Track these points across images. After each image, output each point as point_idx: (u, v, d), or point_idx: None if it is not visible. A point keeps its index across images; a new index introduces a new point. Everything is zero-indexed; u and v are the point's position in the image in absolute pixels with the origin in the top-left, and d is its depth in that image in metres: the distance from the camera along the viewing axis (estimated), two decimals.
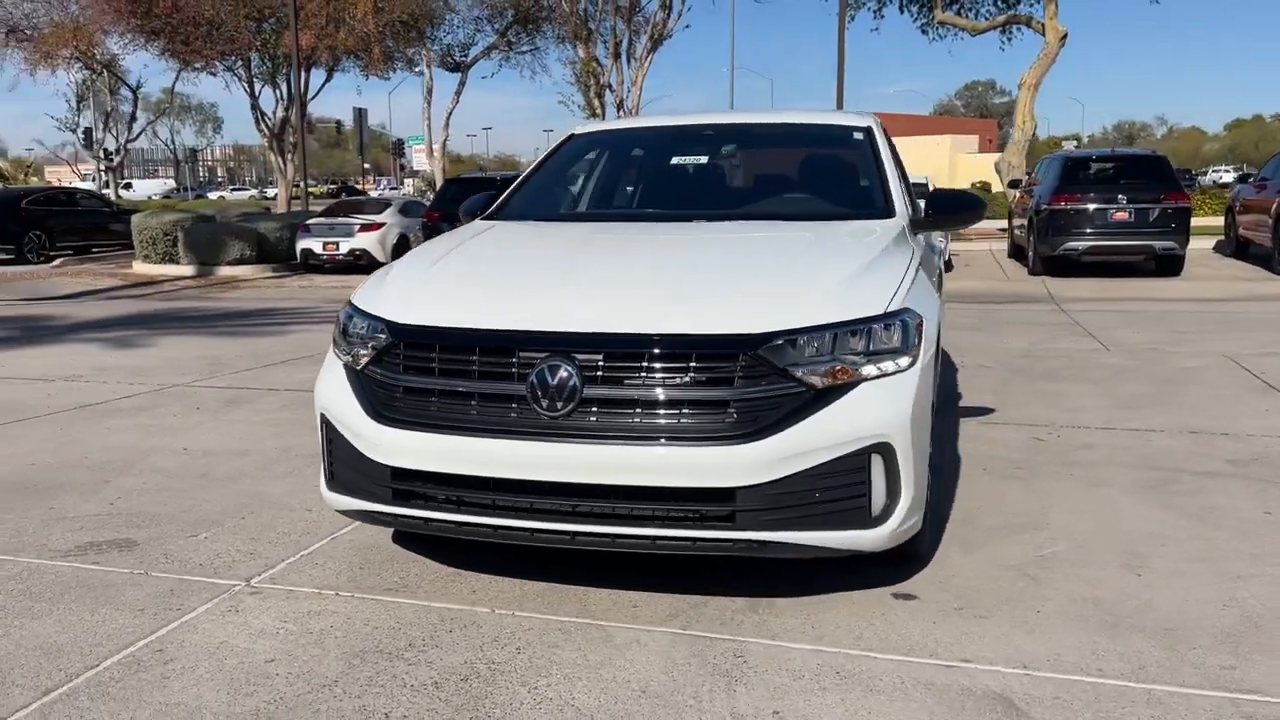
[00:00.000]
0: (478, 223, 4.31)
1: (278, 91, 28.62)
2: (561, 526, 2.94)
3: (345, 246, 17.81)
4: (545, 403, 2.90)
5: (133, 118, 34.49)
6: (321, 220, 18.53)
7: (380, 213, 18.58)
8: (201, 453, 5.10)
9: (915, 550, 3.39)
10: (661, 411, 2.88)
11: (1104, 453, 4.98)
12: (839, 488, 2.92)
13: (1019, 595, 3.24)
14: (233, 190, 75.67)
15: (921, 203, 4.40)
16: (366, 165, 63.45)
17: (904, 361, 3.06)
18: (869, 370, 2.99)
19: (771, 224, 3.95)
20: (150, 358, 8.35)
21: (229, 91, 37.82)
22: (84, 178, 55.75)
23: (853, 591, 3.27)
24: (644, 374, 2.90)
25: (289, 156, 29.63)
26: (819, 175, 4.59)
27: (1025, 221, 16.02)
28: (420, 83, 32.95)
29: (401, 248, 17.52)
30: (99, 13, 27.79)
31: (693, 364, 2.89)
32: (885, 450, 2.96)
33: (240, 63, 28.80)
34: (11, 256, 20.32)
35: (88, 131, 47.27)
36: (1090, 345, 8.43)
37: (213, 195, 66.69)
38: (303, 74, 28.55)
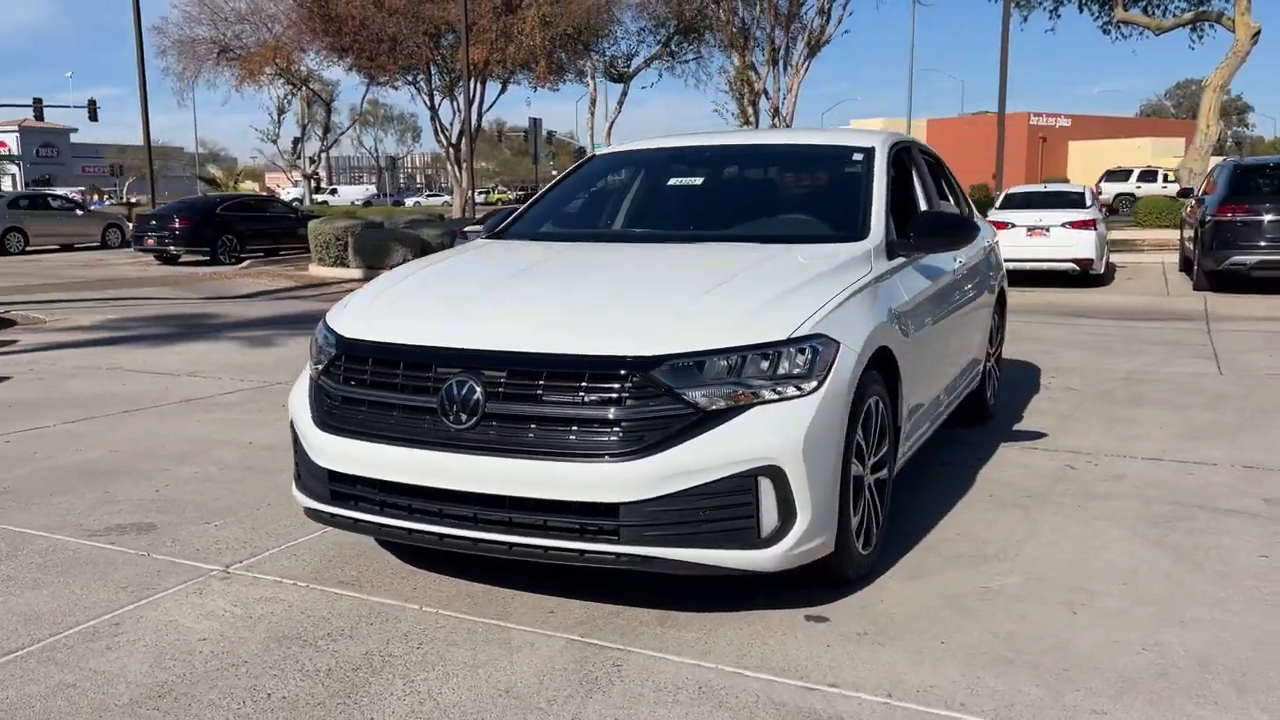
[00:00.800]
0: (476, 240, 4.56)
1: (454, 103, 29.98)
2: (466, 533, 3.14)
3: None
4: (452, 416, 3.11)
5: (326, 129, 36.94)
6: (477, 228, 19.34)
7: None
8: (262, 447, 5.56)
9: (840, 574, 3.41)
10: (554, 428, 3.04)
11: (1131, 485, 4.78)
12: (725, 508, 3.01)
13: (934, 625, 3.22)
14: (428, 196, 79.53)
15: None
16: (555, 171, 65.56)
17: (808, 386, 3.11)
18: (765, 394, 3.06)
19: (734, 246, 4.03)
20: (271, 356, 9.04)
21: (414, 103, 39.93)
22: (296, 184, 60.02)
23: (771, 610, 3.33)
24: (540, 391, 3.06)
25: (465, 165, 30.95)
26: (806, 197, 4.62)
27: (1192, 233, 15.12)
28: (599, 91, 33.80)
29: None
30: (297, 32, 29.85)
31: (584, 383, 3.04)
32: (775, 473, 3.02)
33: (421, 76, 30.31)
34: (206, 258, 22.12)
35: (295, 141, 50.94)
36: (1204, 369, 7.96)
37: (409, 201, 70.29)
38: (477, 86, 29.86)
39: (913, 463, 5.05)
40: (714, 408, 3.01)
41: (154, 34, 32.27)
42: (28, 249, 26.12)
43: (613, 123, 32.00)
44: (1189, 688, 2.81)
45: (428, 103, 30.68)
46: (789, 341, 3.13)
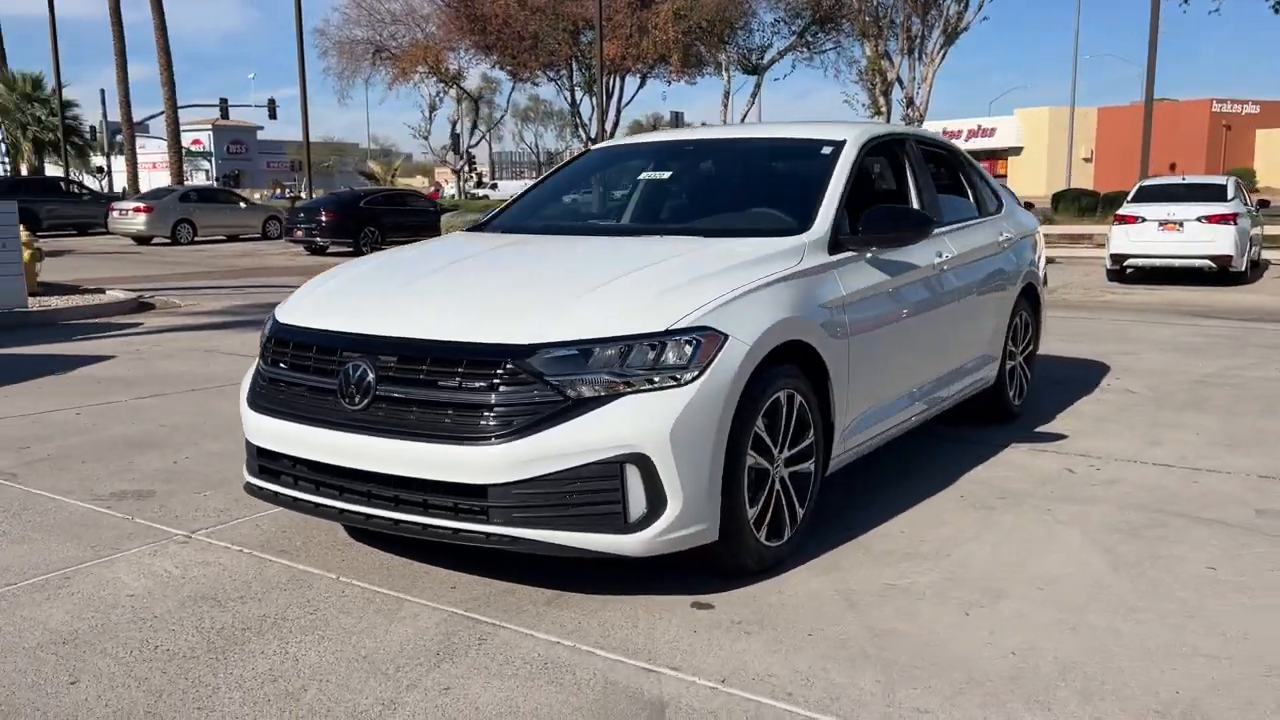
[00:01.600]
0: (452, 234, 4.76)
1: (593, 99, 30.54)
2: (361, 509, 3.33)
3: None
4: (348, 397, 3.31)
5: (474, 125, 38.20)
6: None
7: None
8: None
9: (735, 564, 3.45)
10: (435, 411, 3.19)
11: (1122, 490, 4.60)
12: (592, 493, 3.10)
13: (814, 618, 3.23)
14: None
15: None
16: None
17: (685, 377, 3.16)
18: (638, 383, 3.13)
19: (674, 239, 4.07)
20: None
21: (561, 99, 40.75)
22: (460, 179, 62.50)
23: (661, 595, 3.39)
24: (424, 376, 3.22)
25: None
26: (769, 191, 4.60)
27: None
28: (743, 83, 33.70)
29: None
30: (446, 32, 30.97)
31: (461, 369, 3.18)
32: (641, 461, 3.09)
33: (563, 72, 30.96)
34: (350, 249, 23.25)
35: (456, 138, 52.89)
36: None
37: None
38: (617, 82, 30.27)
39: (891, 459, 5.01)
40: (584, 395, 3.10)
41: (316, 36, 34.01)
42: (196, 239, 28.01)
43: (744, 116, 31.88)
44: (1033, 693, 2.75)
45: (568, 98, 31.33)
46: (667, 333, 3.19)
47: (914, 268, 4.48)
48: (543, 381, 3.11)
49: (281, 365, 3.60)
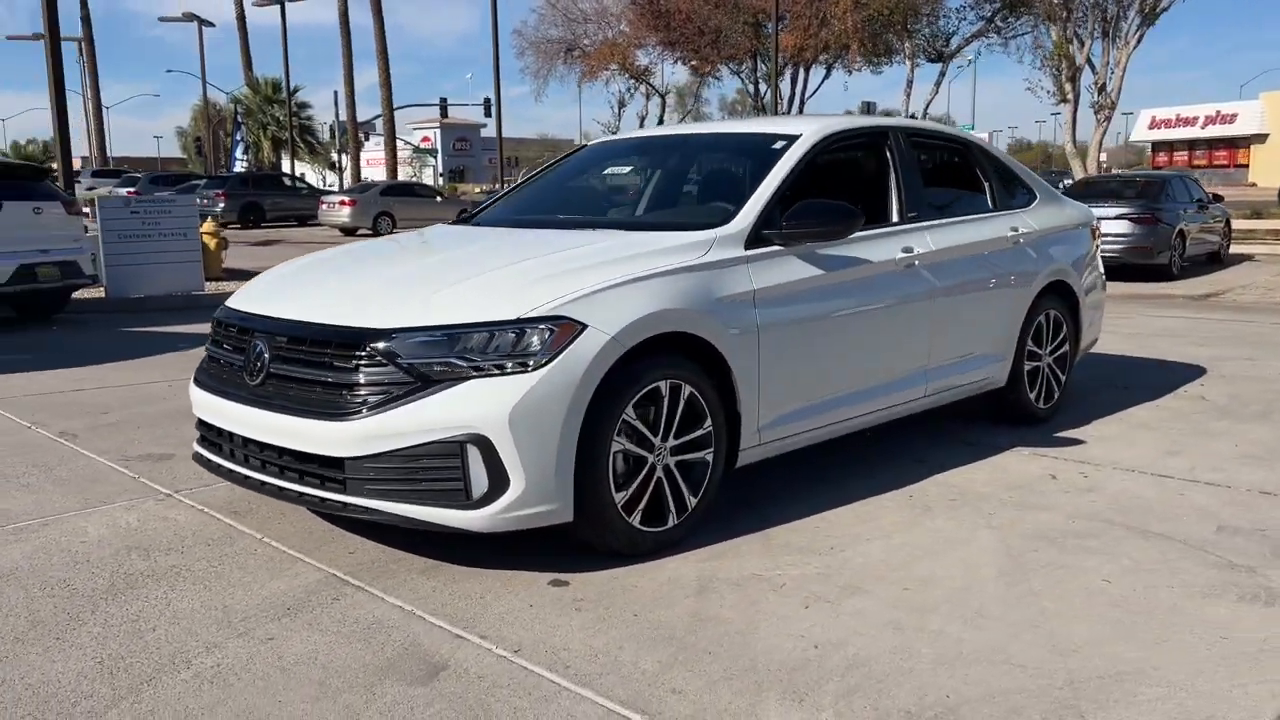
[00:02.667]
0: (431, 227, 5.05)
1: (777, 91, 30.40)
2: (258, 476, 3.67)
3: None
4: (250, 373, 3.66)
5: (660, 120, 38.70)
6: None
7: None
8: None
9: (601, 545, 3.58)
10: (309, 388, 3.49)
11: (1089, 499, 4.40)
12: (437, 469, 3.31)
13: (652, 602, 3.32)
14: None
15: None
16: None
17: (532, 363, 3.33)
18: (486, 367, 3.32)
19: (598, 231, 4.21)
20: None
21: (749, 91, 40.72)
22: None
23: (525, 571, 3.56)
24: (303, 355, 3.53)
25: None
26: (712, 184, 4.64)
27: None
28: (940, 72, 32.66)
29: None
30: (634, 29, 31.62)
31: (330, 350, 3.46)
32: (482, 442, 3.28)
33: (746, 65, 30.98)
34: None
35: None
36: None
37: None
38: (803, 73, 30.01)
39: (871, 455, 4.97)
40: (433, 378, 3.32)
41: (514, 37, 35.43)
42: (394, 230, 29.85)
43: (928, 105, 30.91)
44: (800, 685, 2.77)
45: (750, 92, 31.32)
46: (519, 321, 3.37)
47: (863, 263, 4.43)
48: (395, 363, 3.34)
49: (215, 344, 4.00)
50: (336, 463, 3.40)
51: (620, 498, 3.57)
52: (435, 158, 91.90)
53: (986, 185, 5.50)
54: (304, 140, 53.16)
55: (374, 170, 58.61)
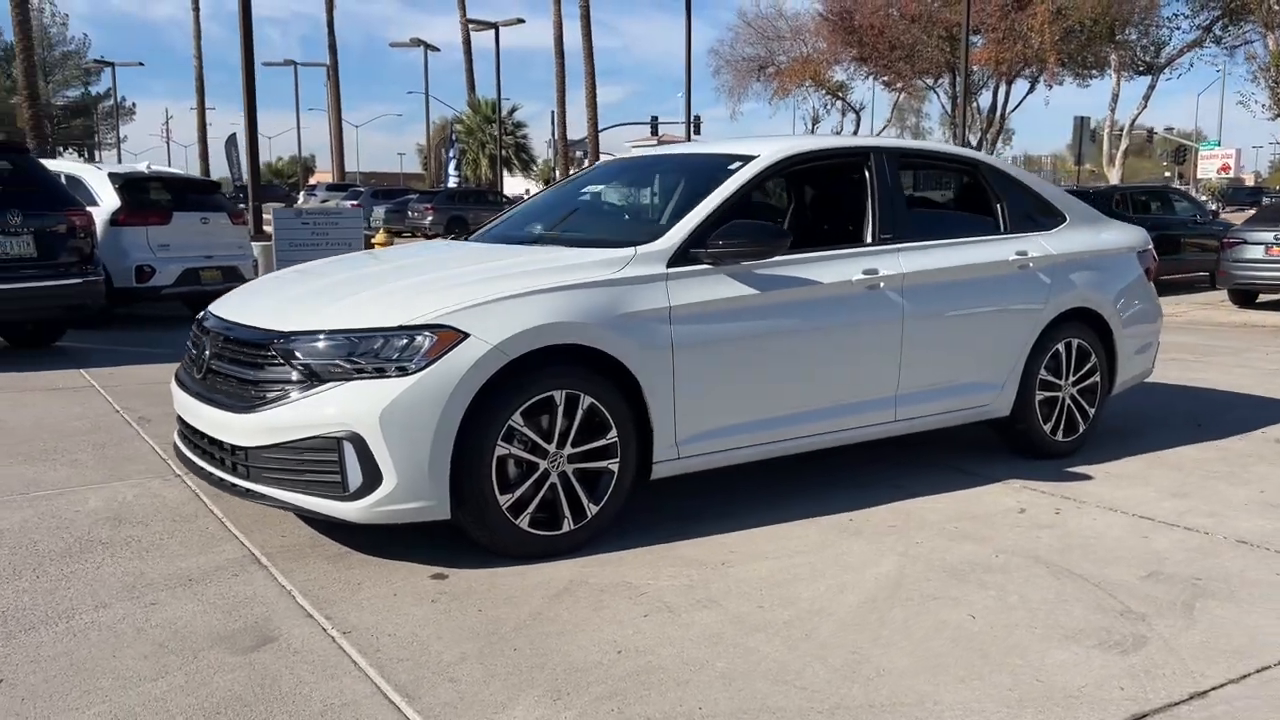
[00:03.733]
0: (426, 242, 5.37)
1: (965, 107, 29.47)
2: (200, 463, 4.08)
3: None
4: (197, 369, 4.09)
5: (854, 135, 38.01)
6: None
7: None
8: None
9: (489, 543, 3.77)
10: (230, 383, 3.87)
11: (1038, 534, 4.24)
12: (318, 462, 3.61)
13: (504, 601, 3.48)
14: None
15: None
16: (1171, 175, 60.75)
17: (410, 368, 3.58)
18: (367, 369, 3.60)
19: (537, 248, 4.45)
20: None
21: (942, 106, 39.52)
22: None
23: (414, 563, 3.81)
24: (229, 354, 3.92)
25: None
26: (662, 203, 4.70)
27: None
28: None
29: None
30: (829, 46, 31.42)
31: (246, 349, 3.83)
32: (356, 440, 3.55)
33: (941, 81, 30.16)
34: None
35: None
36: None
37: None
38: (1004, 86, 28.97)
39: (824, 476, 4.93)
40: (322, 377, 3.62)
41: (710, 55, 35.84)
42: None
43: (1134, 120, 28.98)
44: (566, 685, 2.88)
45: (946, 107, 30.45)
46: (400, 328, 3.63)
47: (809, 283, 4.43)
48: (291, 363, 3.67)
49: (189, 343, 4.46)
50: (240, 451, 3.75)
51: (506, 500, 3.75)
52: None
53: (997, 207, 5.32)
54: (518, 157, 55.54)
55: None
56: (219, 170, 51.35)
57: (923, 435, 5.68)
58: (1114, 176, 28.52)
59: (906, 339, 4.73)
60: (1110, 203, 16.78)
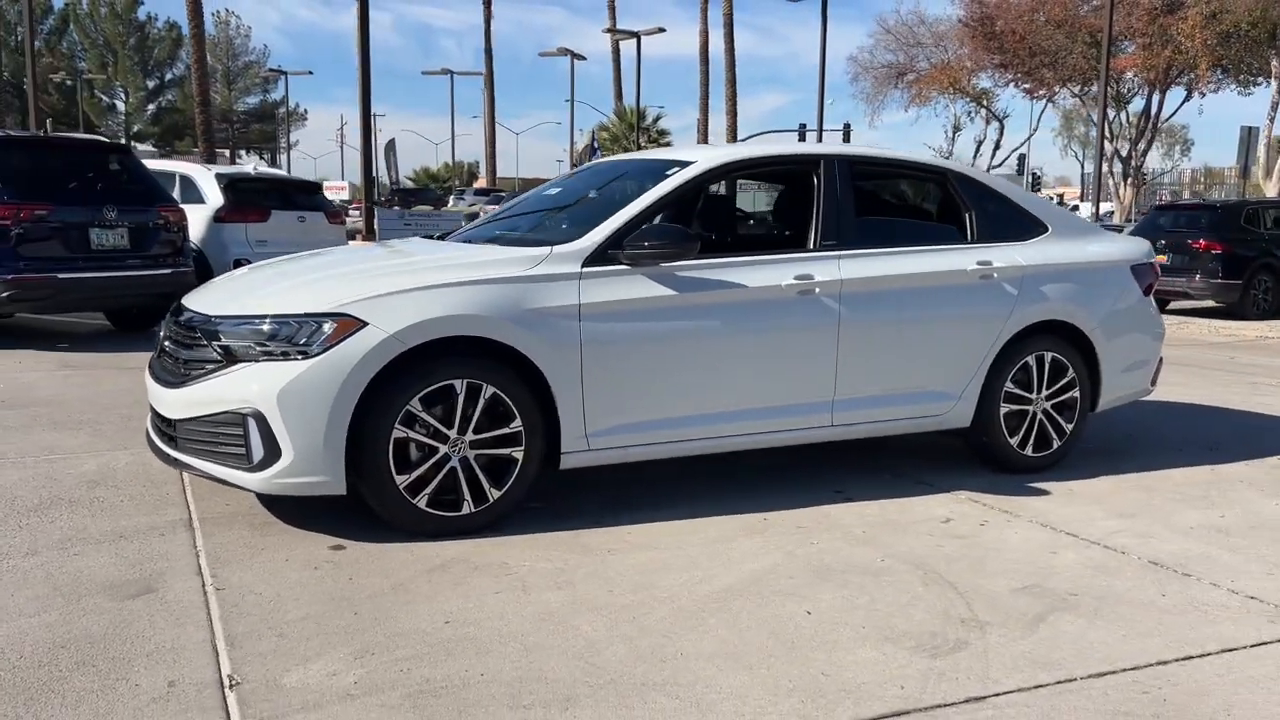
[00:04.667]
0: (406, 239, 5.71)
1: (1104, 116, 28.23)
2: (155, 439, 4.47)
3: None
4: (157, 352, 4.51)
5: (997, 145, 36.97)
6: None
7: None
8: None
9: (389, 519, 4.05)
10: (171, 361, 4.27)
11: (933, 544, 4.24)
12: (228, 436, 3.96)
13: (374, 571, 3.74)
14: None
15: None
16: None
17: (311, 351, 3.89)
18: (274, 352, 3.93)
19: (477, 246, 4.73)
20: None
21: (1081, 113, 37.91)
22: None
23: (326, 535, 4.11)
24: (174, 336, 4.31)
25: (1129, 179, 28.96)
26: (603, 206, 4.83)
27: None
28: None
29: None
30: (973, 52, 30.67)
31: (184, 331, 4.22)
32: (258, 416, 3.88)
33: (1088, 89, 29.01)
34: None
35: (1021, 157, 51.97)
36: None
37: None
38: (1157, 95, 27.72)
39: (767, 477, 5.01)
40: (234, 358, 3.97)
41: (849, 62, 35.46)
42: None
43: None
44: (369, 645, 3.11)
45: (1094, 117, 29.26)
46: (304, 315, 3.94)
47: (733, 286, 4.53)
48: (213, 345, 4.03)
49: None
50: (172, 424, 4.14)
51: (403, 480, 4.01)
52: None
53: (966, 216, 5.27)
54: None
55: None
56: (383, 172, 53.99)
57: (898, 444, 5.70)
58: (1271, 190, 26.79)
59: (844, 345, 4.77)
60: (1239, 217, 15.93)
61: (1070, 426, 5.45)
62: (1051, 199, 72.67)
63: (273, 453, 3.89)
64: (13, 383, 7.29)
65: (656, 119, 49.94)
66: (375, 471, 3.97)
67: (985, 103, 33.85)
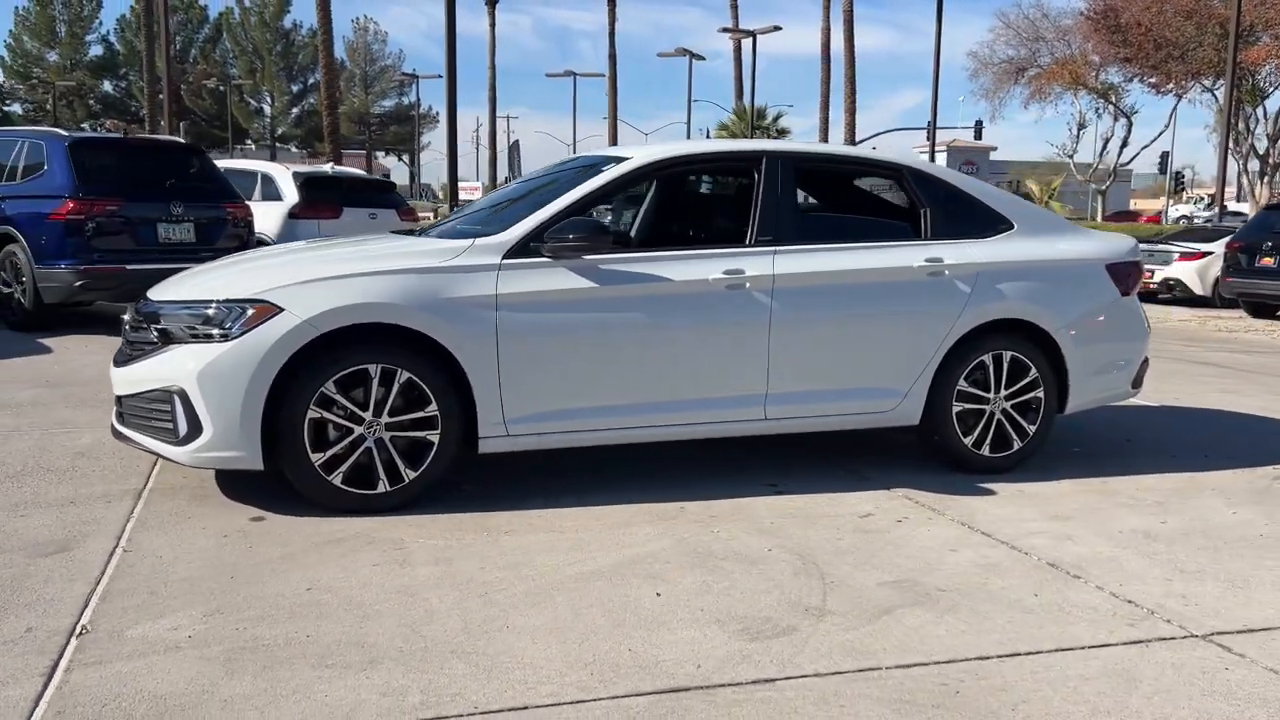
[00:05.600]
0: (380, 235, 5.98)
1: (1231, 111, 26.71)
2: (113, 419, 4.84)
3: (1159, 275, 17.18)
4: (123, 338, 4.89)
5: (1125, 142, 35.32)
6: (1146, 246, 17.93)
7: (1210, 241, 17.25)
8: None
9: (304, 491, 4.30)
10: (125, 343, 4.63)
11: (833, 537, 4.27)
12: (158, 412, 4.29)
13: (272, 541, 4.01)
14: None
15: None
16: None
17: (231, 335, 4.18)
18: (200, 334, 4.23)
19: (417, 239, 4.95)
20: None
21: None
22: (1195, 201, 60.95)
23: (250, 506, 4.40)
24: (131, 320, 4.66)
25: (1266, 179, 27.42)
26: (545, 199, 4.95)
27: None
28: None
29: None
30: (1097, 45, 29.56)
31: (137, 316, 4.56)
32: (181, 394, 4.19)
33: (1216, 83, 27.58)
34: None
35: (1164, 155, 49.92)
36: None
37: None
38: None
39: (704, 466, 5.10)
40: (166, 340, 4.29)
41: (969, 57, 34.61)
42: None
43: None
44: (223, 606, 3.36)
45: (1226, 113, 27.77)
46: (225, 301, 4.23)
47: (657, 280, 4.63)
48: (153, 327, 4.37)
49: None
50: (119, 400, 4.49)
51: (318, 458, 4.26)
52: None
53: (920, 213, 5.22)
54: None
55: None
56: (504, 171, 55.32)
57: (856, 440, 5.67)
58: None
59: (776, 340, 4.80)
60: None
61: (1033, 428, 5.33)
62: (1200, 200, 69.60)
63: (195, 428, 4.19)
64: (69, 365, 7.90)
65: (777, 117, 49.59)
66: (292, 449, 4.22)
67: (1114, 98, 32.47)
